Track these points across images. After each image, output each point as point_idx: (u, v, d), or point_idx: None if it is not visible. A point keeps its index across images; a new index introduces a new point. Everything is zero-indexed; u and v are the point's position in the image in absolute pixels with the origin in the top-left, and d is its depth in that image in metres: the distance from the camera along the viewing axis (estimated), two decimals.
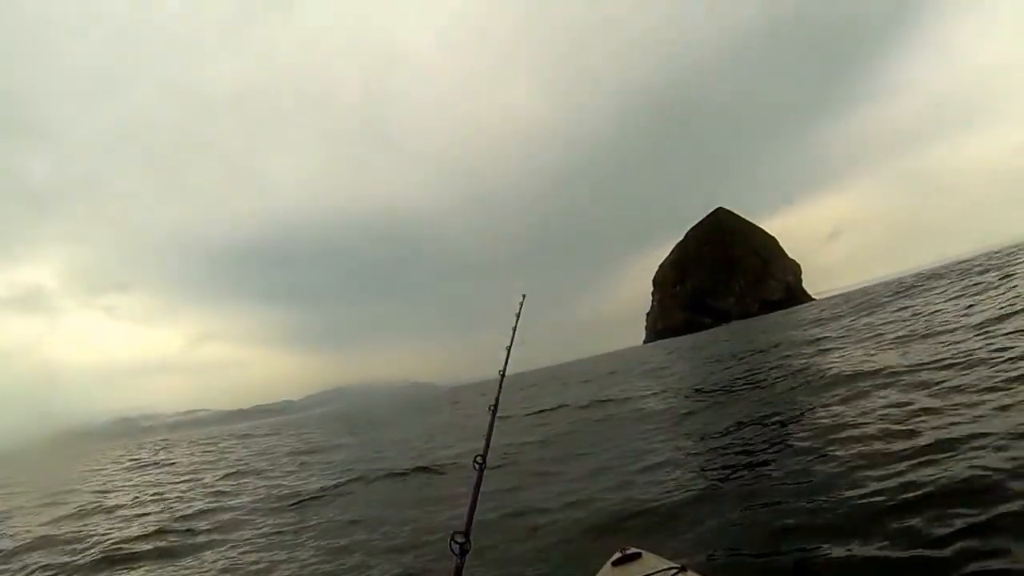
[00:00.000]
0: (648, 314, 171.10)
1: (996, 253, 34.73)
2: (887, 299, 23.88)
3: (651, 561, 2.55)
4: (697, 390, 12.69)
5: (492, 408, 2.97)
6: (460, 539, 1.81)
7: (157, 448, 33.57)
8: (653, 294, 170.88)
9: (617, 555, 2.70)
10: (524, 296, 4.68)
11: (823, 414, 6.90)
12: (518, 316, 4.36)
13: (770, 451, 5.93)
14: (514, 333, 4.15)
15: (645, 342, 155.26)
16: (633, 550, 2.71)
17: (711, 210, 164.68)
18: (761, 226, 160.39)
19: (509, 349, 3.90)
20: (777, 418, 7.44)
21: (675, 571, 2.35)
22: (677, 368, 21.51)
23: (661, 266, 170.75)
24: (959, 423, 5.05)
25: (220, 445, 28.21)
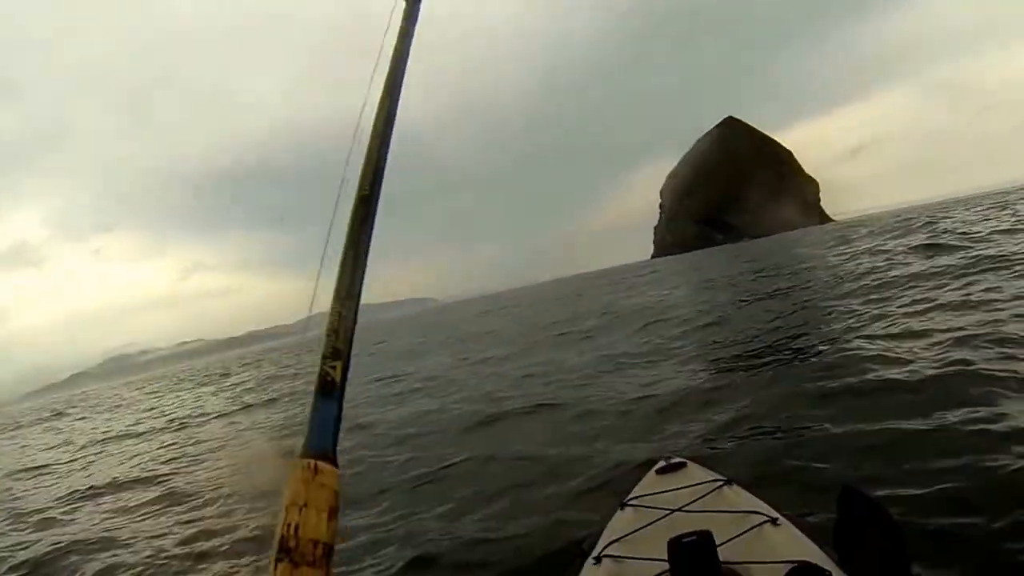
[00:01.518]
0: (656, 228, 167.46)
1: None
2: (912, 227, 21.84)
3: (696, 472, 2.47)
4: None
5: None
6: None
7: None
8: (660, 206, 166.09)
9: (661, 463, 2.61)
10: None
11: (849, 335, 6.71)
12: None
13: (804, 359, 5.96)
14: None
15: (653, 256, 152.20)
16: (678, 459, 2.63)
17: (720, 119, 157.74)
18: (775, 138, 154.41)
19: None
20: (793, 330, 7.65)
21: (721, 484, 2.24)
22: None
23: (668, 177, 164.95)
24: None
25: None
